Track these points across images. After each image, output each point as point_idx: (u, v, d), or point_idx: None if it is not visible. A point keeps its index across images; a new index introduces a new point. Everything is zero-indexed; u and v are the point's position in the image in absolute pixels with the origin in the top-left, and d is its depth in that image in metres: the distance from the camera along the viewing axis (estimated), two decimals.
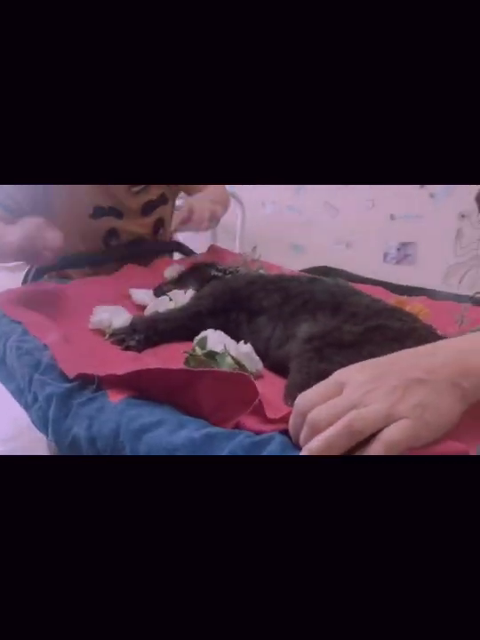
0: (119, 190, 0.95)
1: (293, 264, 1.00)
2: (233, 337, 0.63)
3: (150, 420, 0.40)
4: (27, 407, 0.54)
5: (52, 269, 0.92)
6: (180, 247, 1.09)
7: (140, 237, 1.01)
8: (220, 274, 0.75)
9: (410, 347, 0.36)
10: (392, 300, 0.70)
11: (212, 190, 1.07)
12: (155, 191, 1.00)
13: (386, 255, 1.72)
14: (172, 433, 0.38)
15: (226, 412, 0.40)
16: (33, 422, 0.53)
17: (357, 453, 0.30)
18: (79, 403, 0.46)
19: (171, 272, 0.87)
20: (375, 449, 0.29)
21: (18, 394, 0.58)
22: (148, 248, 1.02)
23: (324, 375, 0.35)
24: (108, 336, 0.66)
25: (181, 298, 0.73)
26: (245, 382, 0.40)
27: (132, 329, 0.64)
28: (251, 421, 0.39)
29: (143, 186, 0.97)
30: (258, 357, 0.55)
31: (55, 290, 0.79)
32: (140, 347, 0.63)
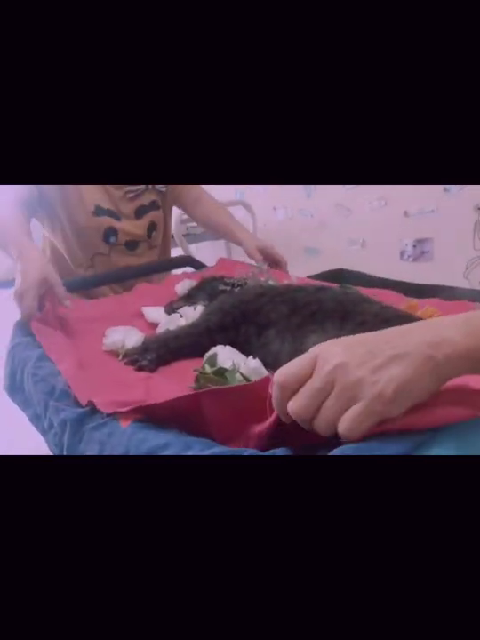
0: (116, 194, 1.03)
1: (308, 268, 1.00)
2: (243, 351, 0.63)
3: (157, 443, 0.40)
4: (43, 433, 0.56)
5: (70, 291, 0.94)
6: (192, 262, 1.10)
7: (135, 238, 1.08)
8: (228, 288, 0.76)
9: None
10: (403, 304, 0.69)
11: (214, 205, 1.12)
12: (147, 197, 1.08)
13: (402, 253, 1.69)
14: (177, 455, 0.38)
15: (235, 427, 0.40)
16: (49, 448, 0.54)
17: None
18: (91, 427, 0.47)
19: (182, 288, 0.88)
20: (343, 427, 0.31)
21: (35, 420, 0.59)
22: (160, 265, 1.04)
23: None
24: (121, 357, 0.67)
25: (191, 314, 0.74)
26: (250, 391, 0.39)
27: (144, 349, 0.65)
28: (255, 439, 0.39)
29: (136, 192, 1.06)
30: (267, 372, 0.55)
31: (70, 311, 0.81)
32: (153, 366, 0.63)
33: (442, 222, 1.58)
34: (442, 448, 0.30)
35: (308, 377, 0.32)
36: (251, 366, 0.54)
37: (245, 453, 0.36)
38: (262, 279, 0.78)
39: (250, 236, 1.07)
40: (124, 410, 0.45)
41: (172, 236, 1.40)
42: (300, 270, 1.00)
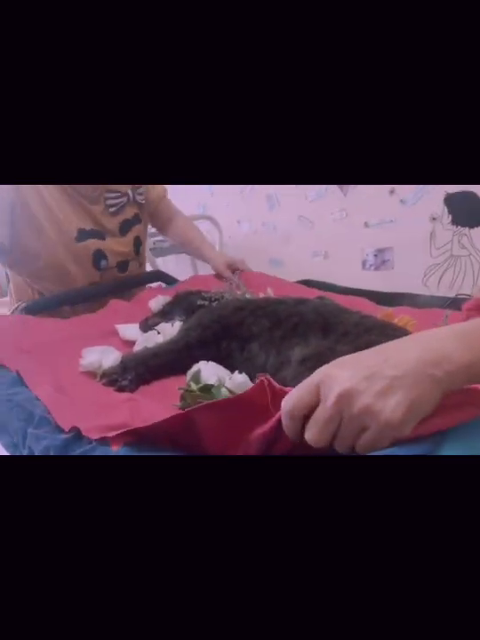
0: (97, 211, 0.97)
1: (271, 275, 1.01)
2: (226, 366, 0.63)
3: None
4: None
5: (39, 310, 0.90)
6: (163, 276, 1.09)
7: (124, 257, 1.02)
8: (205, 302, 0.75)
9: None
10: (379, 312, 0.71)
11: (185, 223, 1.12)
12: (129, 211, 1.02)
13: (364, 263, 1.75)
14: None
15: (231, 438, 0.40)
16: None
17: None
18: (80, 454, 0.45)
19: (156, 304, 0.86)
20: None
21: (12, 448, 0.56)
22: (132, 280, 1.02)
23: None
24: (99, 378, 0.65)
25: (169, 330, 0.72)
26: (244, 401, 0.39)
27: (122, 368, 0.64)
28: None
29: (118, 205, 1.00)
30: None
31: (43, 332, 0.78)
32: (133, 386, 0.62)
33: (400, 232, 1.65)
34: (451, 448, 0.31)
35: (313, 403, 0.32)
36: (237, 381, 0.54)
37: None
38: (239, 293, 0.78)
39: (218, 253, 1.08)
40: (112, 434, 0.44)
41: None
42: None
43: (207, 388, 0.55)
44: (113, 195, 0.99)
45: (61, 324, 0.84)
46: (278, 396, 0.35)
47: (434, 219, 1.58)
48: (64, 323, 0.85)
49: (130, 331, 0.77)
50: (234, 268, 0.99)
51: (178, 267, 1.96)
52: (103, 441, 0.44)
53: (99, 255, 0.97)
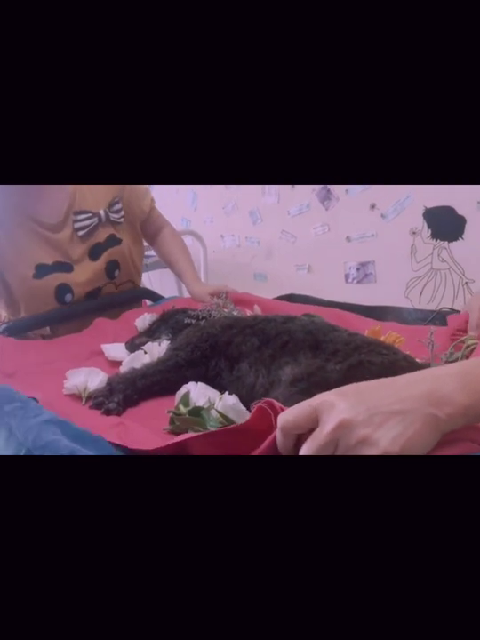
0: (63, 239, 0.90)
1: (258, 294, 1.01)
2: (214, 385, 0.62)
3: None
4: None
5: (21, 331, 0.88)
6: (149, 294, 1.08)
7: (95, 285, 0.95)
8: (193, 320, 0.75)
9: None
10: (366, 325, 0.71)
11: (172, 241, 1.09)
12: (102, 233, 0.95)
13: (347, 276, 1.77)
14: None
15: None
16: None
17: None
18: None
19: (142, 323, 0.85)
20: None
21: None
22: (117, 299, 1.00)
23: None
24: (85, 400, 0.63)
25: (156, 350, 0.71)
26: (243, 430, 0.38)
27: (109, 390, 0.62)
28: None
29: (88, 228, 0.92)
30: (244, 408, 0.54)
31: (25, 351, 0.76)
32: (121, 408, 0.60)
33: (382, 246, 1.68)
34: None
35: (308, 425, 0.33)
36: (228, 403, 0.53)
37: None
38: (226, 311, 0.78)
39: (199, 285, 1.01)
40: (108, 439, 0.43)
41: None
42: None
43: (197, 411, 0.54)
44: (82, 216, 0.92)
45: (44, 345, 0.82)
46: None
47: (414, 233, 1.61)
48: (47, 343, 0.83)
49: (115, 350, 0.76)
50: (216, 294, 0.92)
51: (162, 283, 1.95)
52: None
53: (63, 290, 0.90)
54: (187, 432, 0.50)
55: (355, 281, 1.77)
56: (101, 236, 0.96)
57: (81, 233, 0.92)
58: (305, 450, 0.32)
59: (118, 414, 0.59)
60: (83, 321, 0.90)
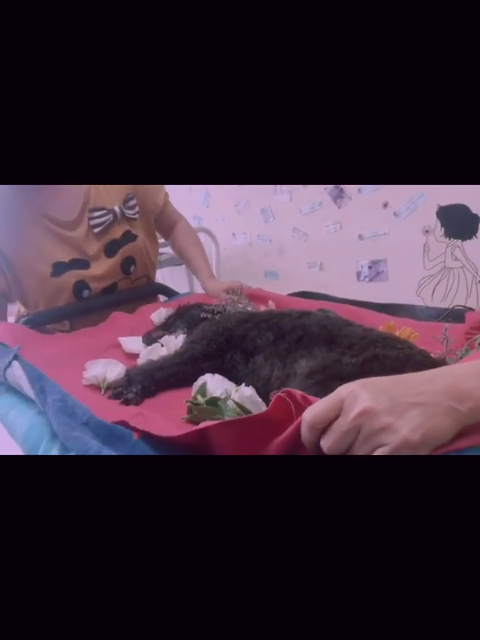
0: (78, 237, 0.91)
1: (270, 291, 1.01)
2: (230, 378, 0.63)
3: None
4: None
5: (40, 323, 0.90)
6: (165, 289, 1.09)
7: (112, 281, 0.96)
8: (208, 315, 0.76)
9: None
10: (380, 321, 0.72)
11: (187, 237, 1.09)
12: (117, 230, 0.96)
13: (359, 274, 1.77)
14: None
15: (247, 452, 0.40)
16: None
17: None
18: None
19: (158, 317, 0.87)
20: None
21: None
22: (133, 294, 1.01)
23: None
24: (103, 391, 0.65)
25: (173, 343, 0.73)
26: (265, 419, 0.39)
27: (127, 381, 0.64)
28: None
29: (103, 225, 0.93)
30: (260, 399, 0.55)
31: (45, 343, 0.77)
32: (139, 399, 0.62)
33: (394, 244, 1.68)
34: None
35: (333, 417, 0.33)
36: (245, 394, 0.54)
37: None
38: (240, 306, 0.79)
39: (214, 282, 1.03)
40: (132, 424, 0.44)
41: None
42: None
43: (214, 401, 0.55)
44: (97, 213, 0.93)
45: (63, 337, 0.84)
46: (301, 407, 0.36)
47: (427, 231, 1.61)
48: (65, 336, 0.85)
49: (132, 343, 0.77)
50: (231, 290, 0.94)
51: (174, 280, 1.96)
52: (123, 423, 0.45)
53: (80, 286, 0.92)
54: (204, 421, 0.52)
55: (366, 279, 1.77)
56: (117, 232, 0.96)
57: (96, 230, 0.93)
58: (326, 437, 0.33)
59: (137, 404, 0.61)
60: (100, 315, 0.92)
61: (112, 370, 0.66)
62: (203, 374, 0.62)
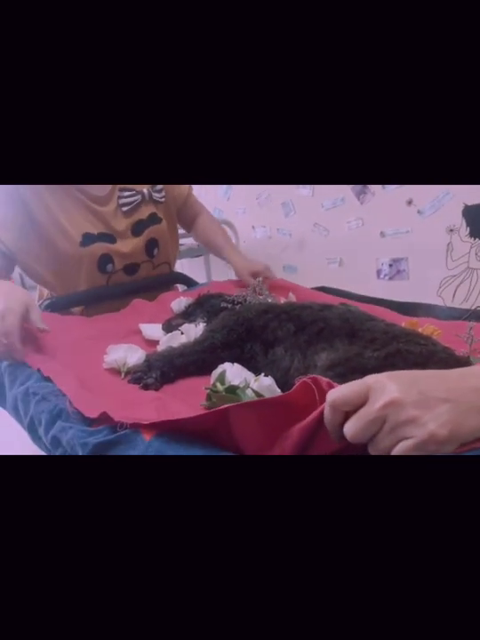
0: (107, 212, 0.95)
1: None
2: (249, 368, 0.63)
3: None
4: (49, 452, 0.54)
5: (62, 307, 0.91)
6: (185, 279, 1.10)
7: (134, 260, 0.99)
8: (229, 305, 0.76)
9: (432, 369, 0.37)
10: (401, 321, 0.71)
11: (211, 224, 1.10)
12: (144, 211, 1.00)
13: (379, 272, 1.75)
14: None
15: (267, 438, 0.40)
16: None
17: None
18: (105, 441, 0.46)
19: (178, 305, 0.87)
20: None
21: (37, 440, 0.57)
22: (154, 281, 1.02)
23: None
24: (123, 375, 0.65)
25: (193, 331, 0.73)
26: (285, 401, 0.39)
27: (147, 366, 0.64)
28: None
29: (132, 204, 0.97)
30: (279, 390, 0.55)
31: (67, 327, 0.78)
32: (158, 384, 0.62)
33: (416, 243, 1.65)
34: None
35: (358, 402, 0.33)
36: (264, 384, 0.54)
37: None
38: (260, 297, 0.79)
39: (242, 259, 1.05)
40: (147, 422, 0.44)
41: None
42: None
43: (233, 389, 0.55)
44: (127, 193, 0.97)
45: (84, 321, 0.85)
46: (325, 393, 0.36)
47: (451, 230, 1.58)
48: (87, 320, 0.86)
49: (153, 330, 0.78)
50: (257, 276, 0.97)
51: (192, 270, 1.97)
52: (135, 428, 0.44)
53: (105, 259, 0.94)
54: None
55: (386, 277, 1.75)
56: (144, 213, 1.00)
57: (125, 208, 0.97)
58: (350, 424, 0.33)
59: (156, 389, 0.61)
60: (121, 301, 0.93)
61: (132, 355, 0.67)
62: (222, 363, 0.62)
